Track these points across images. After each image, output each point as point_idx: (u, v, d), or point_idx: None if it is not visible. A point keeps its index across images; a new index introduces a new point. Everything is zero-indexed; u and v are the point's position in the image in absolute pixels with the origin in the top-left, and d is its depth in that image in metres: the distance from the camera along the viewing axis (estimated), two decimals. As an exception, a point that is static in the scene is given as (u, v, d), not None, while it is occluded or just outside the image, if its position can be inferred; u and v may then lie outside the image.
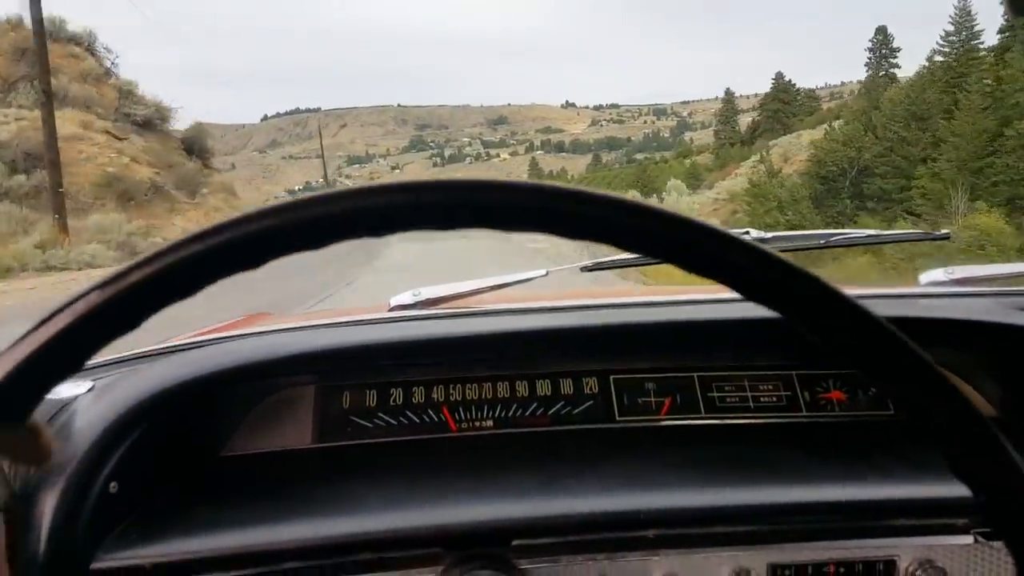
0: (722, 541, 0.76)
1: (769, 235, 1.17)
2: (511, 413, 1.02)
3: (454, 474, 0.86)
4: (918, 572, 0.77)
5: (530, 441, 0.98)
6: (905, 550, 0.77)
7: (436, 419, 1.01)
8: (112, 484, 0.71)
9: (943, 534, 0.77)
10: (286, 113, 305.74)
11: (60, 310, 0.36)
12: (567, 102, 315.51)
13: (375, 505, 0.76)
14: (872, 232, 1.28)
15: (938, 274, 1.23)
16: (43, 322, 0.36)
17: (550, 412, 1.03)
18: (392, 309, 1.17)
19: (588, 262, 1.31)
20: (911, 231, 1.67)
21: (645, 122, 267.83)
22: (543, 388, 1.04)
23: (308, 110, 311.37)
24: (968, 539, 0.77)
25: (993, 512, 0.42)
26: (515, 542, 0.73)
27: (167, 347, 1.01)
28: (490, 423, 1.01)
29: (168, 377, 0.79)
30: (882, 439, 0.94)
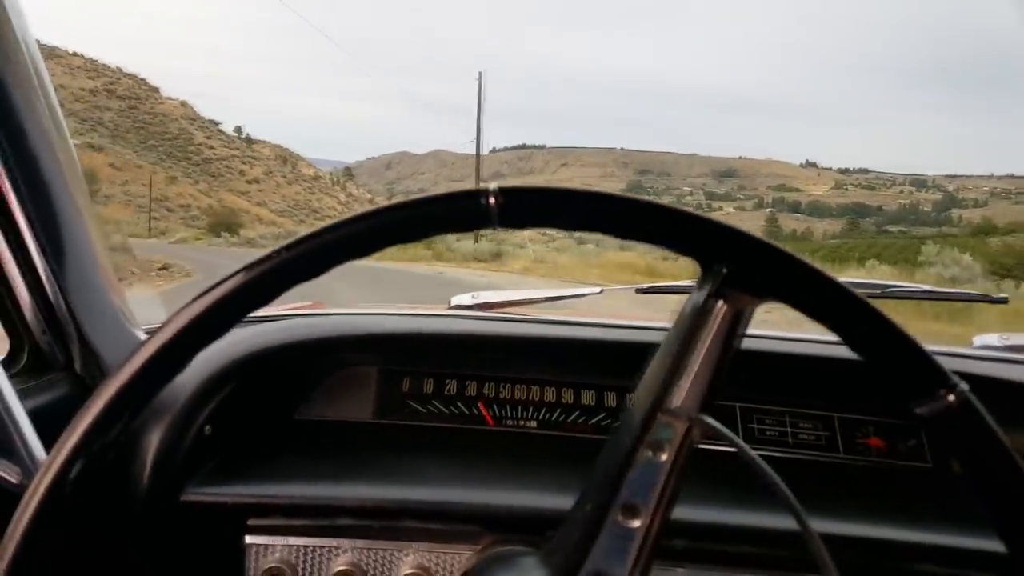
0: (747, 562, 0.79)
1: None
2: (554, 417, 1.08)
3: (499, 464, 0.92)
4: None
5: (571, 445, 1.03)
6: None
7: (485, 412, 1.07)
8: (207, 427, 0.81)
9: None
10: (513, 147, 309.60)
11: (215, 287, 0.44)
12: (807, 161, 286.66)
13: (424, 480, 0.83)
14: (928, 288, 1.34)
15: (992, 339, 1.22)
16: (206, 292, 0.44)
17: (592, 421, 1.07)
18: (452, 308, 1.24)
19: (643, 284, 1.32)
20: (968, 291, 1.47)
21: (901, 191, 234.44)
22: (587, 398, 1.08)
23: (533, 146, 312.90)
24: None
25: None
26: (549, 532, 0.75)
27: (256, 316, 1.08)
28: (533, 423, 1.07)
29: (260, 342, 0.90)
30: (918, 488, 0.95)
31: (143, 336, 0.95)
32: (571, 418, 1.08)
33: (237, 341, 0.89)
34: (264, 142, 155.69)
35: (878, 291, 1.22)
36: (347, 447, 0.96)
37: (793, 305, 0.45)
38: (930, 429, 0.44)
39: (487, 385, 1.08)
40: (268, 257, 0.44)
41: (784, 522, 0.74)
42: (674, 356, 0.49)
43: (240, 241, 40.24)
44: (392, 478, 0.84)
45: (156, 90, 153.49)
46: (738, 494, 0.84)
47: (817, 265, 0.45)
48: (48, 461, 0.43)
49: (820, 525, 0.72)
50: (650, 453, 0.49)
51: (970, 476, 0.45)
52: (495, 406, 1.08)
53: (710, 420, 0.48)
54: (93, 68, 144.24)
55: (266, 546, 0.80)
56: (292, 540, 0.80)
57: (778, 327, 1.15)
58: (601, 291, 1.32)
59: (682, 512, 0.75)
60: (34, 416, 0.73)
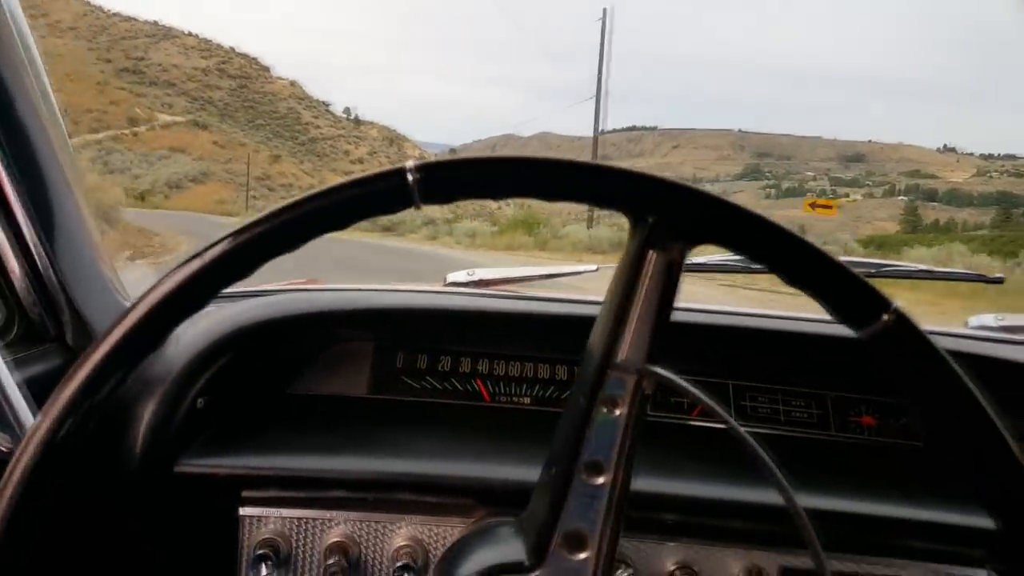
0: (737, 538, 0.80)
1: None
2: (548, 393, 1.08)
3: (492, 439, 0.92)
4: None
5: None
6: (915, 573, 0.79)
7: (477, 388, 1.08)
8: (200, 400, 0.81)
9: (957, 563, 0.78)
10: (622, 129, 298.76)
11: (198, 255, 0.44)
12: (945, 146, 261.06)
13: (418, 453, 0.84)
14: (925, 267, 1.35)
15: (987, 319, 1.23)
16: (186, 262, 0.44)
17: None
18: (447, 284, 1.23)
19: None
20: (965, 271, 1.45)
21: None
22: None
23: (644, 128, 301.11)
24: (982, 573, 0.78)
25: (1009, 544, 0.44)
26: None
27: (250, 290, 1.09)
28: (527, 400, 1.08)
29: (254, 315, 0.89)
30: (909, 467, 0.96)
31: None
32: (565, 394, 1.08)
33: (231, 315, 0.88)
34: (372, 123, 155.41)
35: (872, 270, 1.22)
36: (341, 421, 0.96)
37: (727, 246, 0.46)
38: (875, 354, 0.44)
39: (481, 361, 1.09)
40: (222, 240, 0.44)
41: (774, 497, 0.68)
42: (615, 311, 0.49)
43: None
44: (386, 451, 0.84)
45: (267, 69, 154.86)
46: (731, 470, 0.84)
47: (744, 206, 0.45)
48: (35, 425, 0.43)
49: (812, 501, 0.76)
50: (605, 410, 0.49)
51: (914, 397, 0.45)
52: (489, 382, 1.08)
53: (659, 370, 0.48)
54: (207, 48, 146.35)
55: (260, 518, 0.81)
56: (286, 512, 0.81)
57: (775, 307, 1.13)
58: (597, 268, 1.32)
59: (673, 486, 0.79)
60: (26, 386, 0.73)
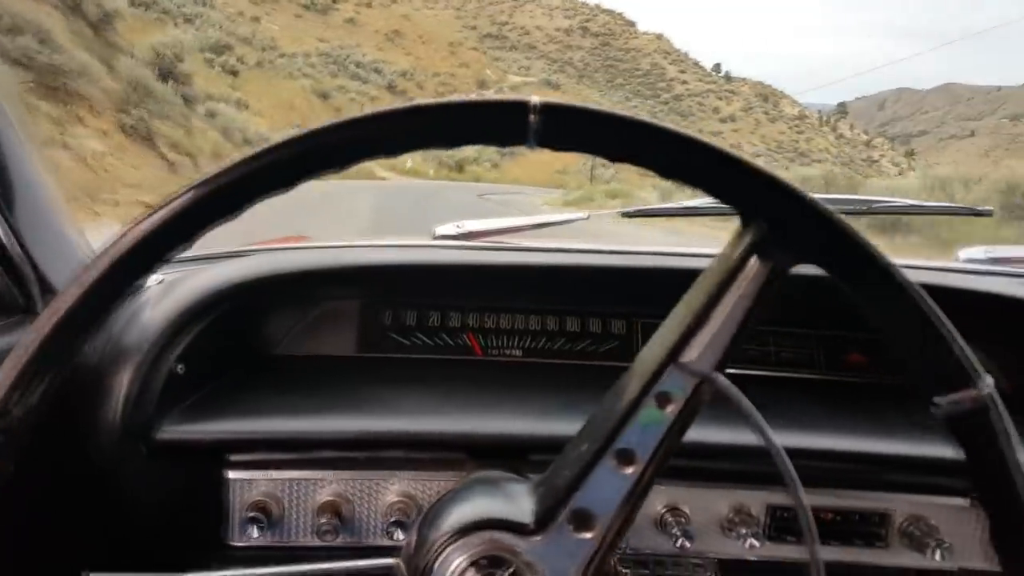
0: (724, 477, 0.81)
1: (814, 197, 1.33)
2: (539, 345, 1.08)
3: (482, 392, 0.92)
4: (911, 528, 0.81)
5: (554, 372, 1.03)
6: (900, 505, 0.82)
7: (468, 343, 1.07)
8: (179, 366, 0.79)
9: (939, 494, 0.81)
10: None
11: (163, 206, 0.40)
12: None
13: (409, 410, 0.83)
14: (914, 202, 1.34)
15: (977, 252, 1.23)
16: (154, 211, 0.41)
17: (576, 348, 1.08)
18: (436, 238, 1.21)
19: (629, 208, 1.32)
20: (953, 204, 1.49)
21: None
22: (572, 324, 1.09)
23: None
24: (964, 502, 0.81)
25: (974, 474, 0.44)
26: (533, 456, 0.78)
27: (229, 251, 1.07)
28: (518, 352, 1.07)
29: (232, 277, 0.85)
30: (895, 402, 0.97)
31: None
32: (556, 345, 1.08)
33: (209, 278, 0.85)
34: (743, 80, 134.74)
35: (864, 207, 1.22)
36: (329, 381, 0.94)
37: (832, 274, 0.43)
38: (946, 424, 0.43)
39: (471, 315, 1.07)
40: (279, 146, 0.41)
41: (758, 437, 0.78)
42: (697, 310, 0.47)
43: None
44: (375, 409, 0.83)
45: (632, 24, 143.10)
46: (715, 414, 0.79)
47: (866, 238, 0.42)
48: None
49: (798, 440, 0.78)
50: (655, 404, 0.48)
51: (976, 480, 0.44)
52: (480, 336, 1.07)
53: (723, 381, 0.47)
54: (571, 7, 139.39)
55: (249, 481, 0.80)
56: (275, 474, 0.80)
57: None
58: (588, 216, 1.31)
59: None
60: None
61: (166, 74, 18.11)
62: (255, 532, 0.78)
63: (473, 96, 0.41)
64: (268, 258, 0.95)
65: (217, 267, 0.90)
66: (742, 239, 0.45)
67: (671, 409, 0.47)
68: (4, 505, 0.44)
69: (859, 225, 0.44)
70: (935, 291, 0.41)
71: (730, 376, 1.02)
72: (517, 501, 0.51)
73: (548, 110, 0.40)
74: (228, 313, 0.86)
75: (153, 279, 0.89)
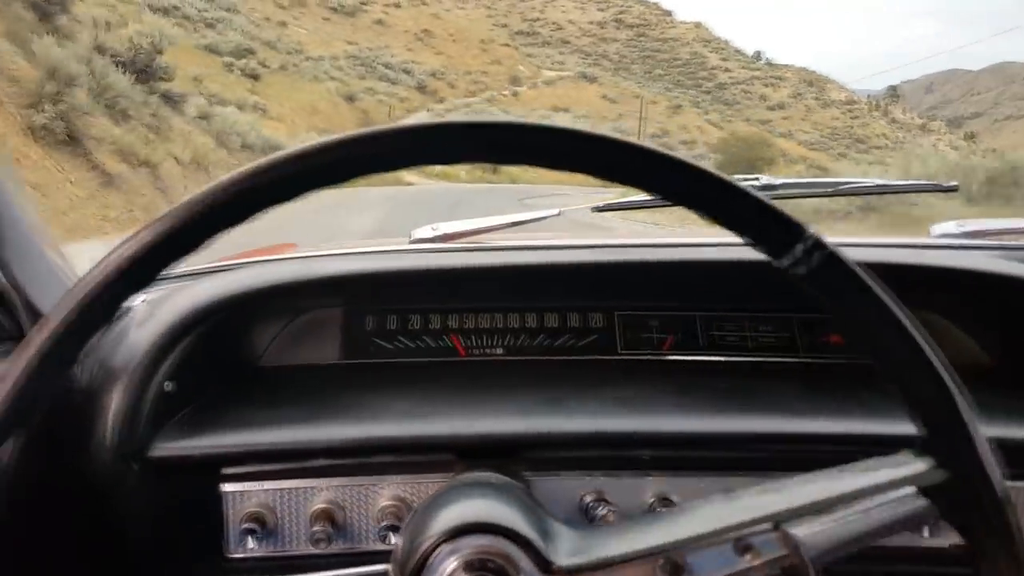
0: (712, 466, 0.82)
1: (779, 181, 1.18)
2: (520, 342, 1.09)
3: (467, 393, 0.93)
4: None
5: (537, 368, 1.05)
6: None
7: (451, 344, 1.09)
8: (167, 383, 0.81)
9: None
10: None
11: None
12: None
13: (396, 415, 0.84)
14: (880, 182, 1.30)
15: (950, 226, 1.22)
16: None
17: (557, 343, 1.10)
18: (413, 242, 1.22)
19: (600, 203, 1.33)
20: (920, 182, 1.48)
21: None
22: (551, 320, 1.10)
23: None
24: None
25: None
26: (520, 454, 0.80)
27: (211, 267, 1.08)
28: (500, 351, 1.09)
29: (214, 293, 0.87)
30: (875, 381, 0.99)
31: None
32: (537, 342, 1.10)
33: (190, 296, 0.87)
34: (787, 66, 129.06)
35: (831, 188, 1.22)
36: (316, 390, 0.96)
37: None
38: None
39: (451, 317, 1.09)
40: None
41: (744, 425, 0.79)
42: (843, 500, 0.47)
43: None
44: (362, 416, 0.84)
45: (668, 14, 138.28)
46: (699, 403, 0.86)
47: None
48: None
49: (781, 425, 0.79)
50: (732, 545, 0.46)
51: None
52: (462, 336, 1.09)
53: (803, 539, 0.45)
54: (603, 0, 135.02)
55: (243, 493, 0.81)
56: (268, 485, 0.81)
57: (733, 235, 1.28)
58: (559, 212, 1.32)
59: (648, 423, 0.80)
60: None
61: (142, 68, 15.12)
62: (251, 543, 0.79)
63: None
64: (249, 272, 0.96)
65: (199, 284, 0.92)
66: (904, 465, 0.46)
67: (745, 559, 0.46)
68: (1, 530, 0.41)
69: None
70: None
71: (708, 364, 1.03)
72: (503, 502, 0.54)
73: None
74: (213, 329, 0.88)
75: (136, 299, 0.91)
